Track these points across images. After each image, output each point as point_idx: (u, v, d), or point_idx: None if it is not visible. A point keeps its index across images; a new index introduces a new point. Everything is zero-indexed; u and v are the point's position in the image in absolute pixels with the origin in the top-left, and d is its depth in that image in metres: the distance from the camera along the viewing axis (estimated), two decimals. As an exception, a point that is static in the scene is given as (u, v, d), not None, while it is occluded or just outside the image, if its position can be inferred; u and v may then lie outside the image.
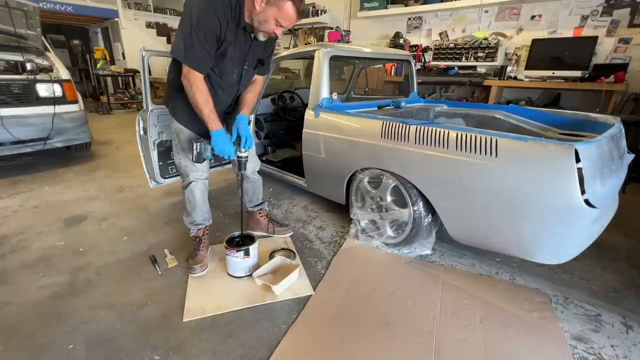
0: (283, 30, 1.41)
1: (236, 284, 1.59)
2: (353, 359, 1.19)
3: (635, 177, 2.90)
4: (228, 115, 1.70)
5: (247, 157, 1.54)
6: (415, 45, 4.55)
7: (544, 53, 3.47)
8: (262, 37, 1.42)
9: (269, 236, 2.02)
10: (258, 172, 1.98)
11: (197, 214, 1.74)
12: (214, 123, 1.43)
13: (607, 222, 1.51)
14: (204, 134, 1.50)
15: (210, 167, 2.55)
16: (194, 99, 1.40)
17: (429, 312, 1.41)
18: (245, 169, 1.58)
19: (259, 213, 2.05)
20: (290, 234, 2.04)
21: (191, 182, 1.67)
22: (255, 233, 1.98)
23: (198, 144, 1.48)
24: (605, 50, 3.35)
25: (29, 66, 2.89)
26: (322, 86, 2.07)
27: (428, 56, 4.37)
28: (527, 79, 3.59)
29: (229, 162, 2.66)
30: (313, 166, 2.20)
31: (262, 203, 2.07)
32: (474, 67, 3.96)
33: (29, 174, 3.08)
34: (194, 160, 1.50)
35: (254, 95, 1.66)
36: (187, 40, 1.32)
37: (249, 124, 1.64)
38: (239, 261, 1.59)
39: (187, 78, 1.38)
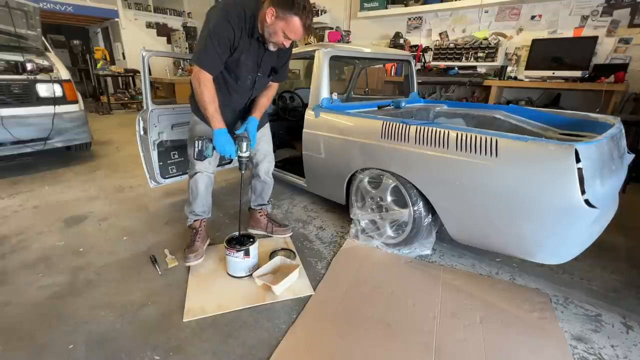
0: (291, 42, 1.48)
1: (236, 284, 1.59)
2: (353, 359, 1.19)
3: (635, 177, 2.90)
4: (240, 113, 1.79)
5: (247, 157, 1.55)
6: (415, 46, 4.56)
7: (544, 53, 3.47)
8: (272, 48, 1.50)
9: (269, 236, 2.03)
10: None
11: (197, 205, 1.82)
12: (217, 122, 1.49)
13: (607, 222, 1.51)
14: None
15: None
16: (201, 97, 1.47)
17: (429, 312, 1.41)
18: (245, 169, 1.60)
19: (259, 212, 2.06)
20: (290, 234, 2.04)
21: (197, 173, 1.75)
22: (255, 232, 2.00)
23: (200, 141, 1.51)
24: (605, 50, 3.35)
25: (29, 66, 2.89)
26: (322, 86, 2.07)
27: (428, 56, 4.37)
28: (527, 79, 3.59)
29: (229, 162, 2.67)
30: (313, 166, 2.20)
31: (265, 204, 2.09)
32: (474, 67, 3.96)
33: (29, 174, 3.08)
34: (195, 157, 1.54)
35: (267, 100, 1.76)
36: (202, 44, 1.43)
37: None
38: (239, 261, 1.59)
39: (196, 77, 1.47)
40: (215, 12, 1.42)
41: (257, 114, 1.71)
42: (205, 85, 1.45)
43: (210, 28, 1.40)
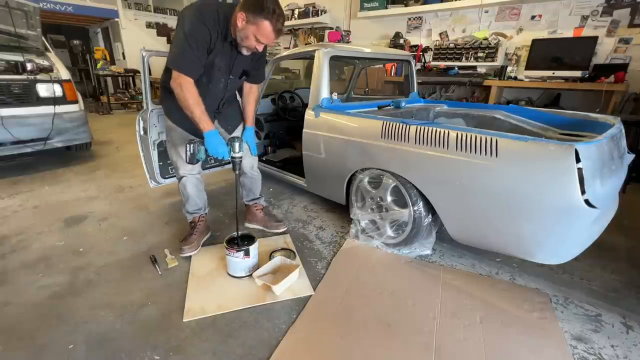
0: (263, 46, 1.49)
1: (236, 284, 1.59)
2: (353, 359, 1.19)
3: (635, 177, 2.90)
4: (217, 113, 1.81)
5: (241, 157, 1.56)
6: (415, 46, 4.55)
7: (544, 53, 3.47)
8: (245, 52, 1.52)
9: (269, 235, 2.04)
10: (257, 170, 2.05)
11: (190, 205, 1.89)
12: (206, 124, 1.47)
13: (607, 222, 1.51)
14: (194, 132, 1.57)
15: (210, 168, 2.57)
16: (185, 101, 1.44)
17: (429, 312, 1.41)
18: (239, 170, 1.61)
19: (255, 207, 2.11)
20: (284, 229, 2.07)
21: (182, 177, 1.79)
22: (252, 226, 2.09)
23: (192, 145, 1.49)
24: (605, 50, 3.34)
25: (29, 66, 2.89)
26: (322, 86, 2.07)
27: (428, 56, 4.37)
28: (527, 79, 3.58)
29: (229, 163, 2.66)
30: (313, 166, 2.20)
31: (258, 198, 2.12)
32: (474, 67, 3.95)
33: (29, 174, 3.08)
34: (187, 161, 1.52)
35: (255, 103, 1.84)
36: (179, 47, 1.40)
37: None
38: (239, 261, 1.59)
39: (177, 81, 1.43)
40: (189, 14, 1.40)
41: (250, 122, 1.82)
42: (188, 89, 1.43)
43: (185, 31, 1.37)
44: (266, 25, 1.36)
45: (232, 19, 1.42)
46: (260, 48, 1.48)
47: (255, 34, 1.39)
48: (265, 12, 1.33)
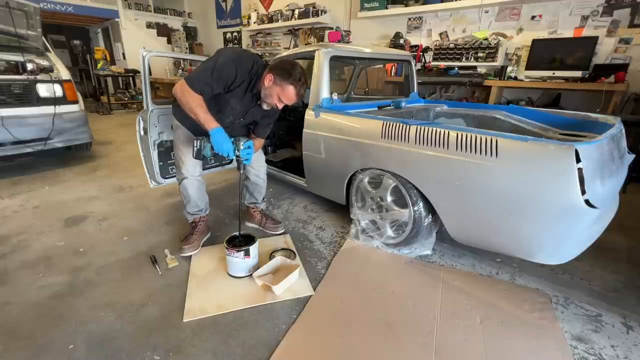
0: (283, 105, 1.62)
1: (236, 284, 1.59)
2: (353, 359, 1.19)
3: (635, 177, 2.90)
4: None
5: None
6: (415, 46, 4.55)
7: (544, 53, 3.47)
8: (265, 106, 1.64)
9: (267, 233, 2.05)
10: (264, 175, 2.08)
11: (191, 206, 1.90)
12: (210, 122, 1.51)
13: (607, 222, 1.51)
14: (196, 131, 1.62)
15: (210, 168, 2.57)
16: (187, 105, 1.49)
17: (429, 312, 1.41)
18: (244, 169, 1.64)
19: (253, 209, 2.14)
20: (282, 231, 2.08)
21: (184, 179, 1.80)
22: (249, 225, 2.12)
23: (198, 141, 1.54)
24: (605, 51, 3.34)
25: (29, 66, 2.89)
26: (322, 86, 2.07)
27: (428, 56, 4.37)
28: (528, 79, 3.58)
29: (229, 162, 2.67)
30: (313, 166, 2.20)
31: (258, 203, 2.15)
32: (474, 67, 3.95)
33: (29, 174, 3.08)
34: (194, 156, 1.57)
35: (259, 147, 1.91)
36: (201, 72, 1.49)
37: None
38: (239, 261, 1.59)
39: (179, 88, 1.50)
40: (228, 54, 1.52)
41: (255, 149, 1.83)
42: (190, 94, 1.47)
43: (217, 64, 1.47)
44: (291, 89, 1.51)
45: (261, 76, 1.55)
46: (280, 106, 1.60)
47: (279, 94, 1.53)
48: (291, 78, 1.48)
